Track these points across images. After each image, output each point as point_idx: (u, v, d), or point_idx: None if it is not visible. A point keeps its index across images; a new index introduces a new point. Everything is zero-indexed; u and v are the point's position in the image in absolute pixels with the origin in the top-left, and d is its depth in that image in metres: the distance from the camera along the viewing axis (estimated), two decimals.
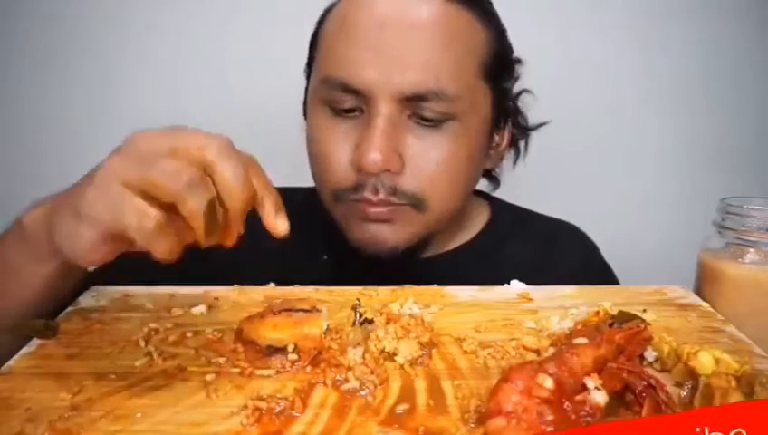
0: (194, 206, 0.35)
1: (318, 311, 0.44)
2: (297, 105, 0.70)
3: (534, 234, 0.75)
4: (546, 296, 0.54)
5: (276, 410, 0.36)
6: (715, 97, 1.14)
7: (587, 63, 1.10)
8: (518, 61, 0.68)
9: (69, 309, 0.51)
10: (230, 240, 0.39)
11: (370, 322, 0.47)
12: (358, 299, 0.50)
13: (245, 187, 0.37)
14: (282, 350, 0.42)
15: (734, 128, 1.15)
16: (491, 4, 0.65)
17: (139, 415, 0.36)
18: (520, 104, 0.71)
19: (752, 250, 0.55)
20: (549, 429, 0.32)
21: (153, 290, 0.54)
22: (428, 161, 0.59)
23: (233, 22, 1.09)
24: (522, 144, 0.73)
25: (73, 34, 1.08)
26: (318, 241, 0.70)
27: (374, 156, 0.56)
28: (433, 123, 0.59)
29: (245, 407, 0.37)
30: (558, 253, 0.73)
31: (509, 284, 0.57)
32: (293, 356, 0.42)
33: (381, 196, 0.59)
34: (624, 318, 0.45)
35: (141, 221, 0.35)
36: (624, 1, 1.09)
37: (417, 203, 0.60)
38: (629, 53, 1.12)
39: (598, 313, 0.48)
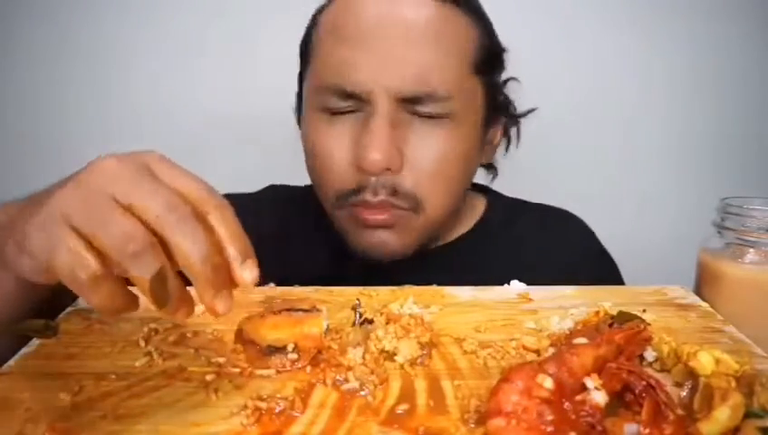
0: (139, 274, 0.31)
1: (318, 311, 0.44)
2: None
3: (530, 222, 0.75)
4: (546, 296, 0.54)
5: (276, 410, 0.36)
6: (716, 97, 1.14)
7: (586, 62, 1.10)
8: (504, 50, 0.68)
9: (69, 309, 0.51)
10: (184, 313, 0.35)
11: (370, 322, 0.47)
12: (358, 299, 0.50)
13: (206, 259, 0.32)
14: (282, 349, 0.42)
15: (735, 128, 1.15)
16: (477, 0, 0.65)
17: (139, 415, 0.36)
18: (508, 93, 0.71)
19: (752, 250, 0.55)
20: (549, 429, 0.32)
21: None
22: (427, 158, 0.59)
23: (232, 22, 1.09)
24: (513, 132, 0.73)
25: (73, 34, 1.09)
26: (323, 239, 0.70)
27: (375, 156, 0.56)
28: (431, 119, 0.59)
29: (245, 407, 0.37)
30: (555, 240, 0.74)
31: (508, 283, 0.57)
32: (293, 356, 0.42)
33: (381, 196, 0.59)
34: (624, 318, 0.45)
35: (74, 269, 0.31)
36: None
37: (415, 205, 0.60)
38: (630, 52, 1.12)
39: (598, 313, 0.48)
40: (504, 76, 0.69)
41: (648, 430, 0.33)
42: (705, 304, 0.54)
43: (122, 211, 0.32)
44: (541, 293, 0.55)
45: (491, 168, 0.76)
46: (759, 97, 1.14)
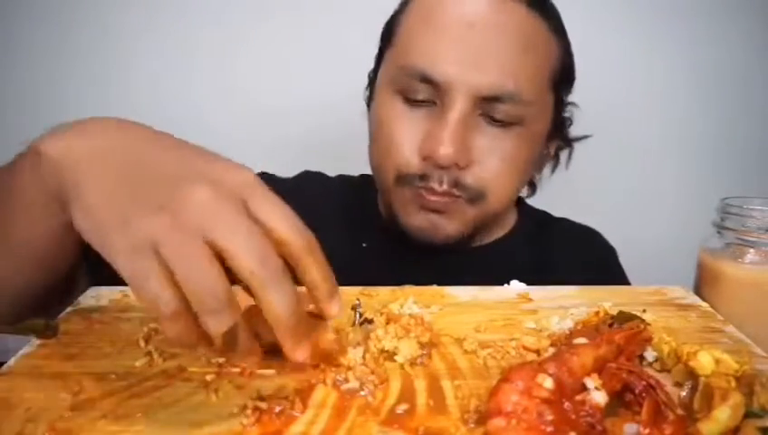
0: (213, 329, 0.32)
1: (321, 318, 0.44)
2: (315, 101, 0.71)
3: (558, 237, 0.77)
4: (546, 296, 0.54)
5: (276, 410, 0.36)
6: (716, 97, 1.14)
7: (586, 62, 1.10)
8: (575, 74, 0.70)
9: (69, 309, 0.51)
10: (251, 361, 0.38)
11: (370, 322, 0.47)
12: (358, 299, 0.50)
13: (292, 314, 0.33)
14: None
15: (735, 128, 1.15)
16: (561, 19, 0.67)
17: (138, 415, 0.36)
18: (568, 116, 0.73)
19: (752, 250, 0.55)
20: (549, 429, 0.32)
21: None
22: (492, 161, 0.61)
23: (232, 23, 1.09)
24: (562, 155, 0.76)
25: (73, 34, 1.09)
26: (358, 228, 0.72)
27: (447, 149, 0.58)
28: (501, 124, 0.60)
29: (245, 407, 0.37)
30: (579, 256, 0.76)
31: (508, 283, 0.57)
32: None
33: (445, 187, 0.60)
34: (624, 318, 0.45)
35: (157, 302, 0.31)
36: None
37: (474, 197, 0.62)
38: (630, 51, 1.12)
39: (598, 313, 0.48)
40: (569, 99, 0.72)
41: (647, 430, 0.33)
42: (705, 304, 0.54)
43: (211, 259, 0.31)
44: (541, 293, 0.55)
45: (531, 185, 0.78)
46: (759, 97, 1.14)
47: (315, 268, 0.35)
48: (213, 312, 0.31)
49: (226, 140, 1.10)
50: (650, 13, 1.10)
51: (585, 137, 0.76)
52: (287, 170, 0.79)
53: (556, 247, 0.75)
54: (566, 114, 0.72)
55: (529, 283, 0.57)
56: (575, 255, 0.75)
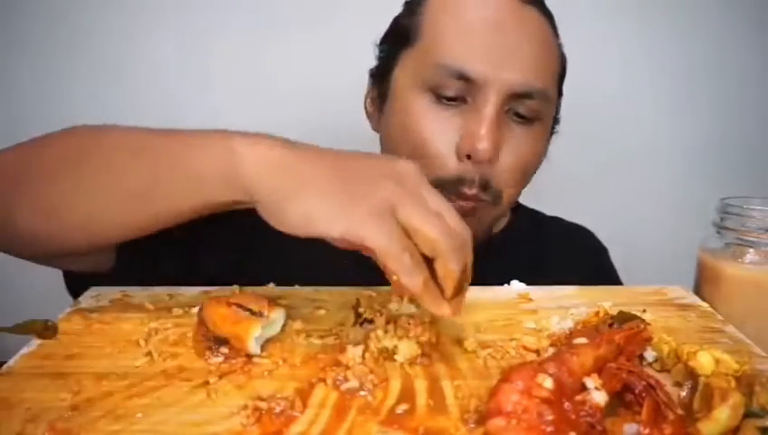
0: (456, 267, 0.40)
1: (260, 315, 0.44)
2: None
3: (551, 236, 0.77)
4: (546, 296, 0.54)
5: (276, 410, 0.36)
6: (716, 97, 1.14)
7: (585, 62, 1.10)
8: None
9: (69, 309, 0.51)
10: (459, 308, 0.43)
11: (370, 321, 0.47)
12: (358, 299, 0.50)
13: (462, 276, 0.41)
14: (225, 342, 0.43)
15: (735, 128, 1.15)
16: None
17: (139, 415, 0.36)
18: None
19: (751, 250, 0.55)
20: (549, 429, 0.32)
21: (153, 290, 0.54)
22: (516, 156, 0.62)
23: (237, 24, 1.09)
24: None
25: (76, 33, 1.09)
26: None
27: (485, 145, 0.58)
28: (524, 121, 0.62)
29: (245, 407, 0.37)
30: (572, 255, 0.76)
31: (509, 283, 0.57)
32: (225, 350, 0.43)
33: (475, 190, 0.61)
34: (624, 318, 0.45)
35: (403, 256, 0.38)
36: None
37: (496, 198, 0.63)
38: (629, 51, 1.12)
39: (598, 313, 0.48)
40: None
41: (647, 430, 0.33)
42: (704, 304, 0.54)
43: (435, 213, 0.40)
44: (541, 293, 0.55)
45: None
46: (759, 97, 1.14)
47: (455, 262, 0.40)
48: (455, 249, 0.39)
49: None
50: (648, 12, 1.10)
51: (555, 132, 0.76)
52: None
53: (549, 246, 0.76)
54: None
55: (522, 281, 0.57)
56: (568, 253, 0.76)
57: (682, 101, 1.15)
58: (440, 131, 0.61)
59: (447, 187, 0.61)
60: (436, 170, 0.61)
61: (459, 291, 0.42)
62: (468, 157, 0.59)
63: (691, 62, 1.12)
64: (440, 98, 0.61)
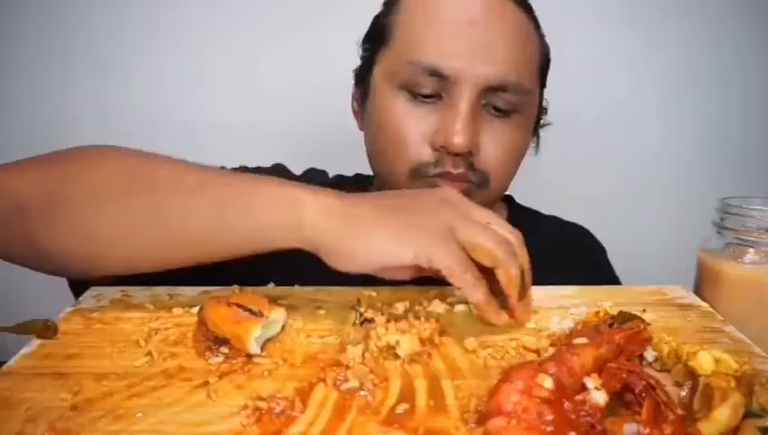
0: (515, 271, 0.45)
1: (261, 315, 0.44)
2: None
3: (548, 235, 0.77)
4: (546, 296, 0.54)
5: (276, 410, 0.36)
6: (716, 97, 1.14)
7: (586, 62, 1.10)
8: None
9: (69, 309, 0.51)
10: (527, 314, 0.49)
11: (370, 321, 0.47)
12: (358, 299, 0.50)
13: (520, 282, 0.46)
14: (225, 342, 0.43)
15: (735, 128, 1.15)
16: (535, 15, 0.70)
17: (139, 415, 0.36)
18: (545, 105, 0.75)
19: (751, 250, 0.55)
20: (549, 429, 0.32)
21: (153, 290, 0.54)
22: (497, 147, 0.63)
23: (232, 28, 1.09)
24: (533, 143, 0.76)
25: (71, 31, 1.09)
26: None
27: (460, 138, 0.59)
28: (502, 114, 0.63)
29: (245, 407, 0.37)
30: (570, 254, 0.76)
31: None
32: (225, 350, 0.43)
33: (461, 169, 0.61)
34: (624, 318, 0.45)
35: (465, 273, 0.43)
36: None
37: (483, 182, 0.64)
38: (629, 51, 1.12)
39: (598, 313, 0.48)
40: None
41: (647, 430, 0.33)
42: (704, 304, 0.54)
43: (485, 228, 0.45)
44: (541, 293, 0.55)
45: None
46: (759, 97, 1.14)
47: (514, 267, 0.45)
48: (510, 254, 0.45)
49: (228, 144, 1.11)
50: (648, 12, 1.10)
51: (548, 124, 0.76)
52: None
53: (546, 245, 0.75)
54: (544, 104, 0.74)
55: None
56: (566, 252, 0.75)
57: (683, 102, 1.15)
58: (416, 128, 0.62)
59: (429, 171, 0.61)
60: (414, 158, 0.62)
61: (524, 294, 0.46)
62: (444, 148, 0.60)
63: (692, 63, 1.12)
64: (416, 96, 0.62)
